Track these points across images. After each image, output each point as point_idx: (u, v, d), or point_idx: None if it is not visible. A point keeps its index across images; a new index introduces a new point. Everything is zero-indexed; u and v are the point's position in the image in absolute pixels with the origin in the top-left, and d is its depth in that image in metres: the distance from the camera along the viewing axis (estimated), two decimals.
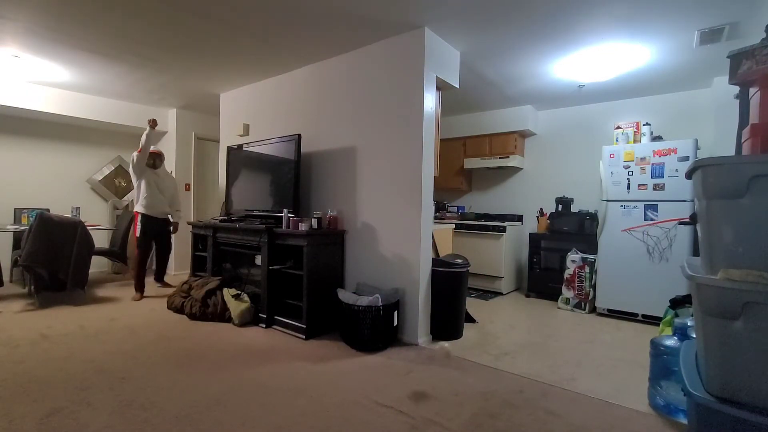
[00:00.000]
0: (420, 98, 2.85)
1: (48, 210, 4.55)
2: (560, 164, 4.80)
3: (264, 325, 3.21)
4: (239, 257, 3.75)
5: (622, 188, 3.69)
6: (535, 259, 4.50)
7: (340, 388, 2.15)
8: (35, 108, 4.44)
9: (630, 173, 3.66)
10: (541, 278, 4.44)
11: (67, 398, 1.96)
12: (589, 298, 3.91)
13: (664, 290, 3.39)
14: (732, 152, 2.28)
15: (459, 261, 3.10)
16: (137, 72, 3.92)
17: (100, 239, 5.04)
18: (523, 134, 4.95)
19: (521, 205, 5.10)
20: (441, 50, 3.00)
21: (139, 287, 4.00)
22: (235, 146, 3.91)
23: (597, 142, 4.45)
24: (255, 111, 4.21)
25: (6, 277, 4.43)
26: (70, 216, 4.06)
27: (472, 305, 3.98)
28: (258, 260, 3.41)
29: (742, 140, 1.59)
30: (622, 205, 3.69)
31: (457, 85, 3.24)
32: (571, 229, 4.27)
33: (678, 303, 2.41)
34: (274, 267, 3.21)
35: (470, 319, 3.44)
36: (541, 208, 4.72)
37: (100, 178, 5.55)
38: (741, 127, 1.77)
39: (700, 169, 1.29)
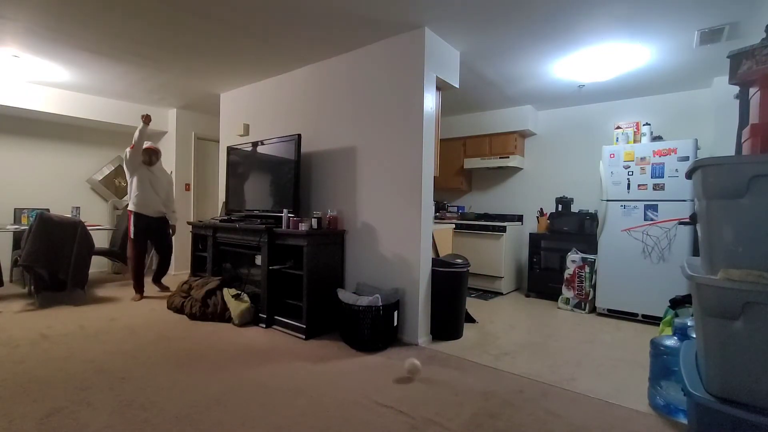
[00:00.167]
0: (420, 98, 2.85)
1: (48, 210, 4.55)
2: (560, 164, 4.80)
3: (264, 325, 3.21)
4: (239, 257, 3.75)
5: (622, 188, 3.69)
6: (535, 259, 4.50)
7: (340, 388, 2.15)
8: (35, 108, 4.44)
9: (630, 173, 3.66)
10: (541, 278, 4.44)
11: (67, 398, 1.96)
12: (589, 298, 3.91)
13: (664, 290, 3.39)
14: (732, 152, 2.28)
15: (459, 261, 3.10)
16: (137, 72, 3.92)
17: (100, 239, 5.05)
18: (523, 134, 4.95)
19: (521, 205, 5.10)
20: (441, 50, 3.00)
21: (138, 287, 3.98)
22: (250, 146, 3.80)
23: (597, 142, 4.46)
24: (255, 111, 4.21)
25: (6, 277, 4.43)
26: (70, 216, 4.05)
27: (472, 305, 3.98)
28: (258, 260, 3.41)
29: (742, 140, 1.59)
30: (622, 205, 3.69)
31: (457, 85, 3.24)
32: (571, 229, 4.27)
33: (678, 303, 2.41)
34: (274, 267, 3.21)
35: (470, 319, 3.44)
36: (541, 208, 4.72)
37: (100, 178, 5.55)
38: (741, 127, 1.77)
39: (700, 169, 1.29)
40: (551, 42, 2.99)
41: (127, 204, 3.97)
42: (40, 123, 5.03)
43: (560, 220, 4.35)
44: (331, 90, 3.44)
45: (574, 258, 4.01)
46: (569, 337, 3.12)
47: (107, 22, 2.86)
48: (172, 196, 4.24)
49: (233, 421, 1.79)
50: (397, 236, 2.98)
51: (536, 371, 2.44)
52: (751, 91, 1.64)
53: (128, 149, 3.82)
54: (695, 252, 3.34)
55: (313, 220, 3.14)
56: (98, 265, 5.33)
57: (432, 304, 2.99)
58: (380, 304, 2.70)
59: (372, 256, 3.14)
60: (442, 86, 3.17)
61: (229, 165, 3.99)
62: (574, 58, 3.26)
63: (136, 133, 3.74)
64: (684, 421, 1.86)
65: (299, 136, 3.27)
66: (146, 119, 3.70)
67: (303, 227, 3.02)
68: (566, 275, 4.05)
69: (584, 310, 3.92)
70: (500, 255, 4.57)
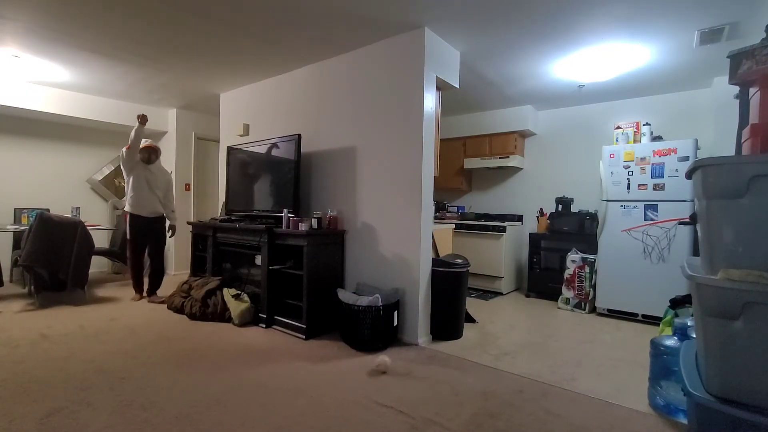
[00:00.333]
0: (420, 98, 2.85)
1: (48, 210, 4.55)
2: (560, 164, 4.80)
3: (264, 325, 3.21)
4: (239, 257, 3.75)
5: (622, 188, 3.69)
6: (535, 259, 4.50)
7: (340, 388, 2.15)
8: (35, 108, 4.44)
9: (630, 173, 3.66)
10: (541, 278, 4.44)
11: (67, 398, 1.96)
12: (589, 298, 3.91)
13: (664, 290, 3.39)
14: (732, 152, 2.28)
15: (459, 261, 3.10)
16: (137, 72, 3.92)
17: (100, 239, 5.04)
18: (523, 134, 4.95)
19: (521, 205, 5.11)
20: (441, 50, 3.00)
21: (138, 288, 3.98)
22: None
23: (597, 142, 4.46)
24: (255, 111, 4.21)
25: (6, 277, 4.43)
26: (70, 216, 4.05)
27: (472, 305, 3.98)
28: (258, 260, 3.41)
29: (742, 140, 1.59)
30: (622, 205, 3.69)
31: (457, 85, 3.24)
32: (571, 229, 4.27)
33: (678, 303, 2.41)
34: (274, 267, 3.21)
35: (470, 319, 3.44)
36: (541, 208, 4.72)
37: (100, 178, 5.55)
38: (741, 127, 1.77)
39: (700, 169, 1.29)
40: (551, 42, 2.99)
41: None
42: (40, 123, 5.03)
43: (560, 220, 4.35)
44: (331, 90, 3.44)
45: (574, 258, 4.01)
46: (569, 337, 3.12)
47: (107, 22, 2.86)
48: (171, 195, 4.13)
49: (233, 421, 1.79)
50: (397, 236, 2.98)
51: (536, 371, 2.44)
52: (751, 91, 1.64)
53: (124, 149, 3.75)
54: (695, 252, 3.34)
55: (313, 220, 3.14)
56: (98, 265, 5.33)
57: (432, 304, 2.99)
58: (380, 304, 2.70)
59: (372, 256, 3.14)
60: (442, 86, 3.17)
61: (229, 165, 3.99)
62: (574, 58, 3.26)
63: (132, 133, 3.66)
64: (684, 421, 1.86)
65: (299, 136, 3.27)
66: (142, 119, 3.62)
67: (303, 227, 3.02)
68: (566, 275, 4.05)
69: (584, 310, 3.92)
70: (500, 255, 4.57)
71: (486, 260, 4.66)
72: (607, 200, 3.77)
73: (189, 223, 4.23)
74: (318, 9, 2.60)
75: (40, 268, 3.66)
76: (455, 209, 5.51)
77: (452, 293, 3.03)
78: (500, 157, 4.84)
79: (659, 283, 3.47)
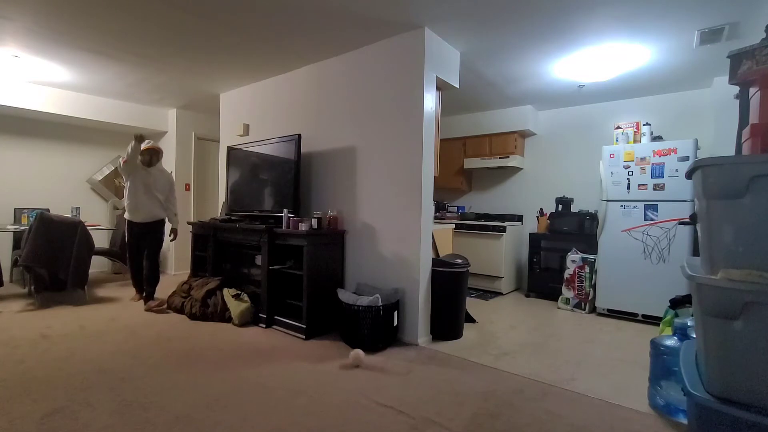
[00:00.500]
0: (420, 98, 2.85)
1: (48, 210, 4.55)
2: (560, 164, 4.80)
3: (264, 325, 3.21)
4: (239, 257, 3.75)
5: (622, 188, 3.69)
6: (535, 259, 4.50)
7: (340, 388, 2.15)
8: (35, 108, 4.44)
9: (630, 173, 3.66)
10: (541, 278, 4.44)
11: (67, 398, 1.96)
12: (589, 298, 3.91)
13: (664, 290, 3.39)
14: (732, 152, 2.28)
15: (459, 261, 3.10)
16: (137, 72, 3.92)
17: (100, 239, 5.04)
18: (523, 134, 4.95)
19: (521, 205, 5.10)
20: (441, 50, 3.00)
21: (138, 288, 3.92)
22: (250, 146, 3.71)
23: (597, 142, 4.46)
24: (255, 111, 4.21)
25: (6, 277, 4.43)
26: (70, 216, 4.05)
27: (472, 305, 3.98)
28: (258, 260, 3.41)
29: (742, 140, 1.59)
30: (622, 205, 3.69)
31: (457, 85, 3.24)
32: (571, 229, 4.27)
33: (678, 303, 2.41)
34: (274, 267, 3.21)
35: (470, 319, 3.44)
36: (541, 208, 4.72)
37: (100, 178, 5.55)
38: (741, 127, 1.77)
39: (700, 169, 1.29)
40: (551, 42, 2.99)
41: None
42: (40, 123, 5.03)
43: (560, 220, 4.35)
44: (331, 90, 3.44)
45: (574, 258, 4.01)
46: (569, 337, 3.12)
47: (107, 22, 2.86)
48: (173, 197, 3.95)
49: (233, 421, 1.79)
50: (397, 236, 2.98)
51: (536, 371, 2.44)
52: (751, 91, 1.64)
53: (121, 160, 3.66)
54: (695, 252, 3.34)
55: (313, 220, 3.14)
56: (98, 265, 5.33)
57: (432, 304, 2.99)
58: (380, 304, 2.70)
59: (372, 256, 3.14)
60: (442, 86, 3.17)
61: (229, 165, 3.98)
62: (574, 58, 3.26)
63: (129, 149, 3.55)
64: (684, 421, 1.86)
65: (299, 136, 3.27)
66: (139, 138, 3.51)
67: (303, 227, 3.02)
68: (566, 275, 4.05)
69: (584, 310, 3.92)
70: (500, 255, 4.57)
71: (486, 260, 4.66)
72: (607, 200, 3.77)
73: (189, 223, 4.23)
74: (318, 9, 2.60)
75: (40, 268, 3.66)
76: (455, 209, 5.51)
77: (452, 293, 3.03)
78: (500, 157, 4.83)
79: (659, 283, 3.47)
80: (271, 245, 3.21)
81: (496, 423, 1.83)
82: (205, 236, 3.95)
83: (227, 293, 3.39)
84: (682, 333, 1.97)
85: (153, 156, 3.78)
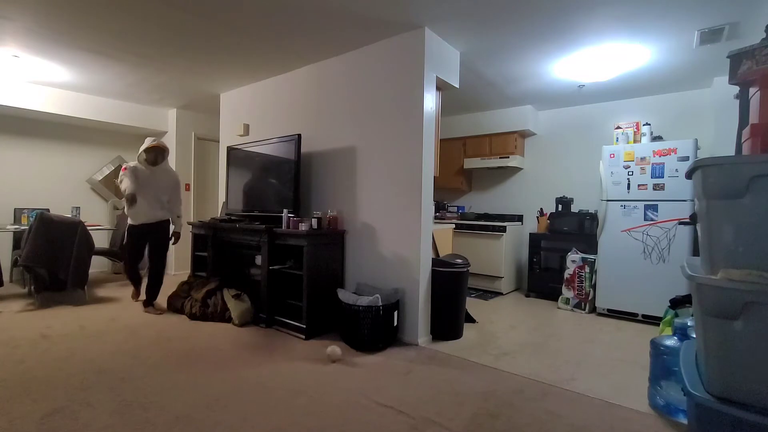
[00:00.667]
0: (420, 98, 2.85)
1: (48, 210, 4.54)
2: (560, 164, 4.80)
3: (264, 325, 3.21)
4: (239, 257, 3.75)
5: (622, 188, 3.69)
6: (535, 259, 4.50)
7: (340, 388, 2.15)
8: (35, 108, 4.44)
9: (630, 173, 3.66)
10: (541, 278, 4.44)
11: (67, 398, 1.96)
12: (589, 298, 3.91)
13: (664, 290, 3.39)
14: (732, 152, 2.28)
15: (459, 261, 3.10)
16: (137, 72, 3.92)
17: (100, 239, 5.04)
18: (523, 134, 4.95)
19: (521, 205, 5.10)
20: (441, 50, 3.00)
21: (137, 288, 3.92)
22: (250, 146, 3.71)
23: (597, 142, 4.45)
24: (255, 111, 4.21)
25: (6, 277, 4.43)
26: (70, 216, 4.05)
27: (472, 305, 3.98)
28: (258, 260, 3.41)
29: (742, 140, 1.59)
30: (622, 205, 3.69)
31: (457, 85, 3.24)
32: (571, 229, 4.27)
33: (678, 303, 2.41)
34: (274, 267, 3.21)
35: (470, 319, 3.44)
36: (541, 208, 4.72)
37: (100, 178, 5.55)
38: (741, 127, 1.77)
39: (700, 169, 1.29)
40: (551, 42, 2.99)
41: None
42: (40, 123, 5.03)
43: (560, 220, 4.35)
44: (331, 90, 3.44)
45: (574, 258, 4.01)
46: (569, 337, 3.12)
47: (107, 23, 2.86)
48: (177, 198, 3.72)
49: (233, 421, 1.79)
50: (397, 236, 2.98)
51: (536, 371, 2.44)
52: (751, 91, 1.64)
53: (122, 194, 3.45)
54: (695, 252, 3.34)
55: (313, 220, 3.14)
56: (98, 265, 5.33)
57: (432, 304, 2.99)
58: (380, 304, 2.70)
59: (372, 256, 3.14)
60: (442, 86, 3.17)
61: (229, 165, 3.98)
62: (574, 58, 3.26)
63: (125, 204, 3.42)
64: (684, 421, 1.86)
65: (299, 136, 3.27)
66: (131, 201, 3.35)
67: (303, 227, 3.02)
68: (566, 275, 4.05)
69: (584, 310, 3.92)
70: (500, 255, 4.57)
71: (486, 260, 4.66)
72: (607, 200, 3.77)
73: (189, 223, 4.23)
74: (318, 9, 2.60)
75: (40, 268, 3.66)
76: (455, 209, 5.51)
77: (452, 293, 3.03)
78: (500, 157, 4.83)
79: (659, 283, 3.47)
80: (271, 245, 3.21)
81: (496, 423, 1.83)
82: (205, 236, 3.94)
83: (227, 293, 3.39)
84: (682, 333, 1.97)
85: (158, 155, 3.54)
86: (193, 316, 3.36)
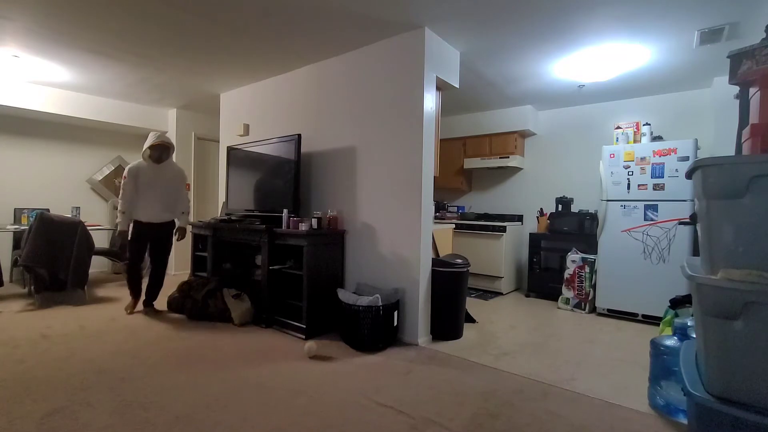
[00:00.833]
0: (420, 98, 2.85)
1: (48, 210, 4.55)
2: (560, 164, 4.80)
3: (264, 325, 3.21)
4: (239, 257, 3.75)
5: (622, 188, 3.69)
6: (535, 259, 4.50)
7: (340, 388, 2.15)
8: (35, 108, 4.44)
9: (630, 173, 3.66)
10: (541, 278, 4.44)
11: (67, 398, 1.96)
12: (589, 298, 3.91)
13: (664, 290, 3.39)
14: (732, 152, 2.28)
15: (459, 261, 3.10)
16: (137, 72, 3.92)
17: (100, 239, 5.04)
18: (523, 134, 4.95)
19: (521, 205, 5.10)
20: (441, 50, 3.00)
21: (135, 296, 3.56)
22: (250, 146, 3.72)
23: (597, 142, 4.45)
24: (255, 111, 4.21)
25: (6, 277, 4.43)
26: (70, 216, 4.05)
27: (472, 305, 3.98)
28: (258, 260, 3.40)
29: (742, 140, 1.59)
30: (622, 205, 3.69)
31: (457, 85, 3.24)
32: (571, 229, 4.27)
33: (678, 303, 2.41)
34: (274, 267, 3.21)
35: (470, 319, 3.44)
36: (541, 208, 4.72)
37: (100, 178, 5.55)
38: (741, 127, 1.77)
39: (700, 169, 1.29)
40: (551, 42, 2.99)
41: None
42: (40, 123, 5.02)
43: (560, 220, 4.35)
44: (331, 90, 3.44)
45: (574, 258, 4.01)
46: (569, 337, 3.12)
47: (107, 23, 2.86)
48: (184, 195, 3.64)
49: (233, 421, 1.79)
50: (397, 236, 2.98)
51: (536, 371, 2.44)
52: (751, 91, 1.64)
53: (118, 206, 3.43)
54: (695, 252, 3.34)
55: (313, 220, 3.14)
56: (98, 265, 5.33)
57: (432, 304, 2.99)
58: (380, 304, 2.70)
59: (372, 256, 3.14)
60: (442, 86, 3.17)
61: (229, 165, 3.99)
62: (574, 58, 3.26)
63: (119, 218, 3.37)
64: (684, 421, 1.86)
65: (299, 136, 3.27)
66: (123, 236, 3.37)
67: (303, 227, 3.02)
68: (566, 275, 4.05)
69: (584, 310, 3.92)
70: (500, 255, 4.57)
71: (486, 260, 4.66)
72: (607, 200, 3.76)
73: (189, 223, 4.22)
74: (318, 9, 2.60)
75: (40, 268, 3.66)
76: (455, 209, 5.51)
77: (452, 293, 3.03)
78: (500, 157, 4.83)
79: (659, 283, 3.47)
80: (271, 245, 3.21)
81: (496, 423, 1.83)
82: (204, 236, 3.94)
83: (227, 293, 3.39)
84: (682, 333, 1.97)
85: (163, 152, 3.45)
86: (192, 316, 3.36)
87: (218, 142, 5.18)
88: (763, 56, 1.58)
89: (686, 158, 3.39)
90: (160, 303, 3.68)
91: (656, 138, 3.80)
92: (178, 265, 5.38)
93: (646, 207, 3.56)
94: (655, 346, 2.04)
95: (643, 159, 3.59)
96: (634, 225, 3.62)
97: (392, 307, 2.81)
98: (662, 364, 1.99)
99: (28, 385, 2.09)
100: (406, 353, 2.70)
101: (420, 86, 2.85)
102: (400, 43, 2.96)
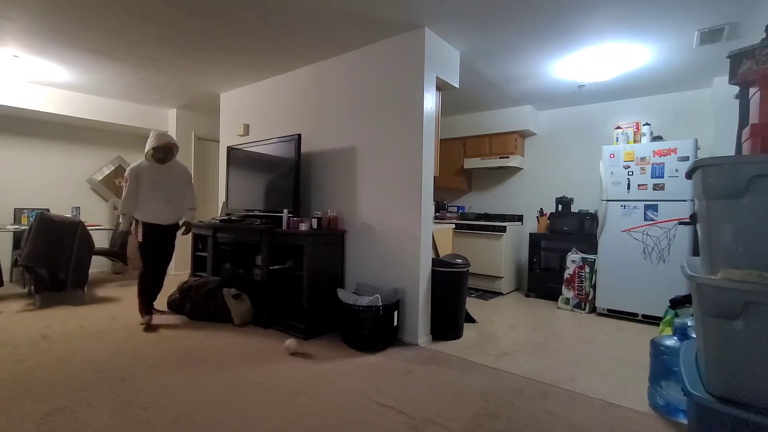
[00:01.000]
0: (420, 98, 2.85)
1: (48, 210, 4.55)
2: (560, 164, 4.80)
3: (264, 325, 3.21)
4: (239, 257, 3.75)
5: (622, 188, 3.69)
6: (535, 259, 4.50)
7: (340, 388, 2.15)
8: (35, 108, 4.44)
9: (630, 173, 3.65)
10: (541, 278, 4.44)
11: (67, 398, 1.96)
12: (589, 298, 3.90)
13: (664, 290, 3.38)
14: (732, 152, 2.28)
15: (459, 261, 3.10)
16: (137, 72, 3.92)
17: (100, 239, 5.04)
18: (523, 134, 4.95)
19: (521, 205, 5.10)
20: (441, 50, 3.00)
21: (147, 308, 3.30)
22: (250, 146, 3.71)
23: (597, 142, 4.45)
24: (255, 111, 4.21)
25: (6, 277, 4.43)
26: (70, 216, 4.05)
27: (472, 305, 3.98)
28: (258, 260, 3.40)
29: (742, 140, 1.59)
30: (622, 205, 3.69)
31: (457, 85, 3.24)
32: (571, 229, 4.27)
33: (678, 303, 2.41)
34: (274, 267, 3.21)
35: (470, 319, 3.44)
36: (541, 208, 4.72)
37: (100, 178, 5.55)
38: (741, 127, 1.77)
39: (700, 169, 1.29)
40: (551, 42, 2.98)
41: None
42: (40, 123, 5.02)
43: (560, 220, 4.35)
44: (331, 90, 3.44)
45: (574, 258, 4.01)
46: (569, 337, 3.12)
47: (107, 23, 2.86)
48: (191, 191, 3.53)
49: (233, 421, 1.79)
50: (397, 236, 2.98)
51: (536, 371, 2.44)
52: (751, 91, 1.64)
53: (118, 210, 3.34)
54: (695, 252, 3.34)
55: (313, 220, 3.14)
56: (98, 265, 5.33)
57: (432, 304, 2.99)
58: (380, 304, 2.70)
59: (372, 256, 3.14)
60: (442, 86, 3.17)
61: (229, 165, 3.99)
62: (574, 58, 3.26)
63: (121, 219, 3.28)
64: (684, 421, 1.86)
65: (299, 136, 3.27)
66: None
67: (303, 227, 3.02)
68: (566, 275, 4.05)
69: (584, 310, 3.92)
70: (500, 255, 4.57)
71: (486, 260, 4.66)
72: (607, 200, 3.76)
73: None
74: (318, 9, 2.60)
75: (40, 268, 3.66)
76: (455, 209, 5.51)
77: (452, 293, 3.03)
78: (500, 157, 4.83)
79: (659, 283, 3.47)
80: (271, 245, 3.21)
81: (496, 423, 1.83)
82: (204, 236, 3.94)
83: (227, 293, 3.38)
84: (682, 333, 1.97)
85: (167, 153, 3.32)
86: (192, 316, 3.36)
87: (218, 142, 5.18)
88: (763, 56, 1.59)
89: (686, 158, 3.39)
90: (160, 303, 3.69)
91: (656, 138, 3.80)
92: (178, 265, 5.38)
93: (646, 207, 3.56)
94: (655, 346, 2.04)
95: (643, 159, 3.59)
96: (634, 225, 3.62)
97: (392, 307, 2.81)
98: (662, 364, 1.99)
99: (28, 385, 2.09)
100: (406, 353, 2.70)
101: (420, 86, 2.85)
102: (400, 43, 2.96)
